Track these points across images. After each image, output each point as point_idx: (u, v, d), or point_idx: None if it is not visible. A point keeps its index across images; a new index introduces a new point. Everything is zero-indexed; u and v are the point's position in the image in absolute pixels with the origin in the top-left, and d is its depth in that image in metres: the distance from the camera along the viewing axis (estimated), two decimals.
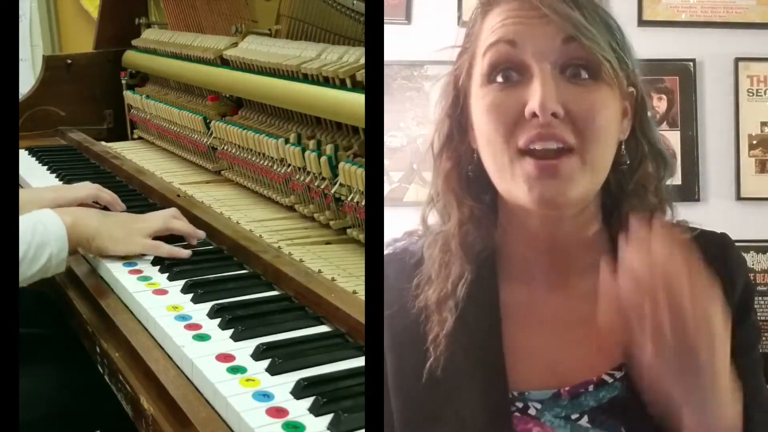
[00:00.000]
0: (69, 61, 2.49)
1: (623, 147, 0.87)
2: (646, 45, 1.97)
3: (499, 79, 0.82)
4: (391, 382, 0.89)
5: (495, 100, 0.82)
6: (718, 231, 0.92)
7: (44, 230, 1.23)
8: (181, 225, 1.41)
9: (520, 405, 0.85)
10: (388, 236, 0.96)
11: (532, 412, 0.84)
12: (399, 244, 0.95)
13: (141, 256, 1.35)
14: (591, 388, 0.84)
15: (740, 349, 0.86)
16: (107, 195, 1.56)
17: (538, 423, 0.84)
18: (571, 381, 0.84)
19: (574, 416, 0.84)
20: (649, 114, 0.88)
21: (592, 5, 0.83)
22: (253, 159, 1.69)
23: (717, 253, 0.88)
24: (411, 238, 0.94)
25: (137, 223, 1.39)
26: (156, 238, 1.37)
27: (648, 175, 0.87)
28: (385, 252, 0.94)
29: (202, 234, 1.43)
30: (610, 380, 0.84)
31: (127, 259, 1.34)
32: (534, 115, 0.79)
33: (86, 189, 1.57)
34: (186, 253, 1.35)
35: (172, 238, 1.40)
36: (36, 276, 1.24)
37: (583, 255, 0.88)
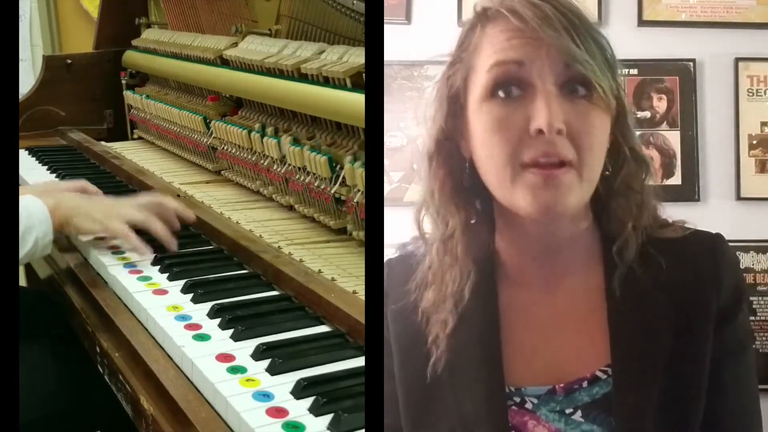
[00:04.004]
0: (69, 61, 2.49)
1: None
2: (646, 45, 1.97)
3: (501, 94, 0.84)
4: (396, 374, 0.93)
5: (499, 116, 0.84)
6: (714, 231, 0.93)
7: (28, 215, 1.24)
8: (160, 229, 1.37)
9: (517, 399, 0.88)
10: (391, 238, 0.98)
11: (528, 406, 0.87)
12: (409, 248, 0.98)
13: (141, 257, 1.35)
14: (585, 384, 0.87)
15: (725, 350, 0.88)
16: (93, 189, 1.54)
17: (534, 416, 0.87)
18: (566, 378, 0.87)
19: (568, 410, 0.86)
20: (629, 121, 0.90)
21: (585, 27, 0.84)
22: (253, 159, 1.69)
23: (705, 252, 0.89)
24: (418, 243, 0.96)
25: (117, 208, 1.39)
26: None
27: (631, 175, 0.89)
28: (395, 255, 0.98)
29: (174, 245, 1.38)
30: (603, 376, 0.86)
31: (126, 260, 1.34)
32: (539, 132, 0.81)
33: (73, 184, 1.57)
34: (146, 252, 1.34)
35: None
36: (23, 260, 1.26)
37: (576, 254, 0.90)
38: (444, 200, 0.91)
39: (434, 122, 0.91)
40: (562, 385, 0.87)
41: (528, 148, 0.82)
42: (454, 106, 0.89)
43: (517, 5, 0.84)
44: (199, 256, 1.38)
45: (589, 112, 0.83)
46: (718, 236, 0.91)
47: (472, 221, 0.91)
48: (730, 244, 0.93)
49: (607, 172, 0.90)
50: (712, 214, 1.91)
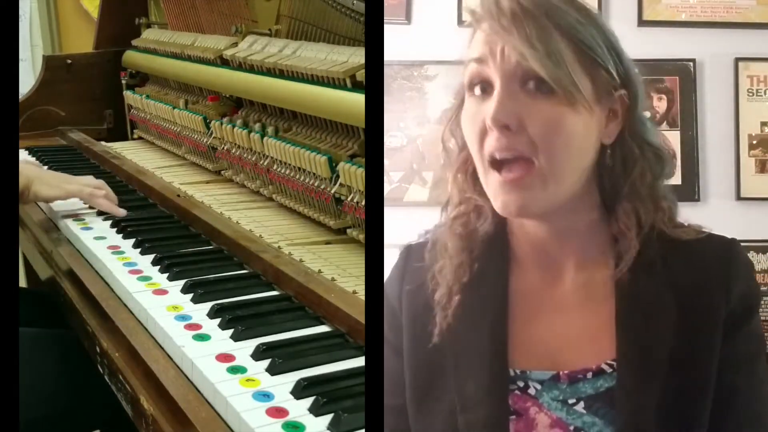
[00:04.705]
0: (69, 61, 2.49)
1: (608, 150, 0.89)
2: (646, 45, 1.97)
3: (477, 91, 0.86)
4: (405, 354, 0.94)
5: (469, 111, 0.87)
6: (728, 237, 0.92)
7: None
8: (106, 200, 1.59)
9: (521, 384, 0.88)
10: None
11: (531, 391, 0.88)
12: (429, 235, 0.99)
13: (143, 264, 1.34)
14: (590, 375, 0.87)
15: (735, 356, 0.87)
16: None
17: (536, 403, 0.87)
18: (569, 365, 0.87)
19: (571, 401, 0.86)
20: (643, 115, 0.89)
21: (561, 23, 0.83)
22: (253, 159, 1.69)
23: (718, 257, 0.89)
24: (438, 230, 0.98)
25: (69, 178, 1.63)
26: None
27: (642, 176, 0.88)
28: (415, 241, 1.00)
29: (123, 212, 1.59)
30: (609, 370, 0.86)
31: (126, 259, 1.34)
32: (491, 127, 0.82)
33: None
34: (100, 194, 1.58)
35: None
36: None
37: (585, 245, 0.90)
38: (454, 186, 0.93)
39: (449, 113, 0.93)
40: (566, 372, 0.87)
41: (487, 143, 0.84)
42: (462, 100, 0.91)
43: (492, 4, 0.84)
44: (199, 256, 1.38)
45: (551, 109, 0.82)
46: (733, 242, 0.91)
47: (478, 205, 0.91)
48: None
49: (610, 164, 0.89)
50: (712, 214, 1.91)
